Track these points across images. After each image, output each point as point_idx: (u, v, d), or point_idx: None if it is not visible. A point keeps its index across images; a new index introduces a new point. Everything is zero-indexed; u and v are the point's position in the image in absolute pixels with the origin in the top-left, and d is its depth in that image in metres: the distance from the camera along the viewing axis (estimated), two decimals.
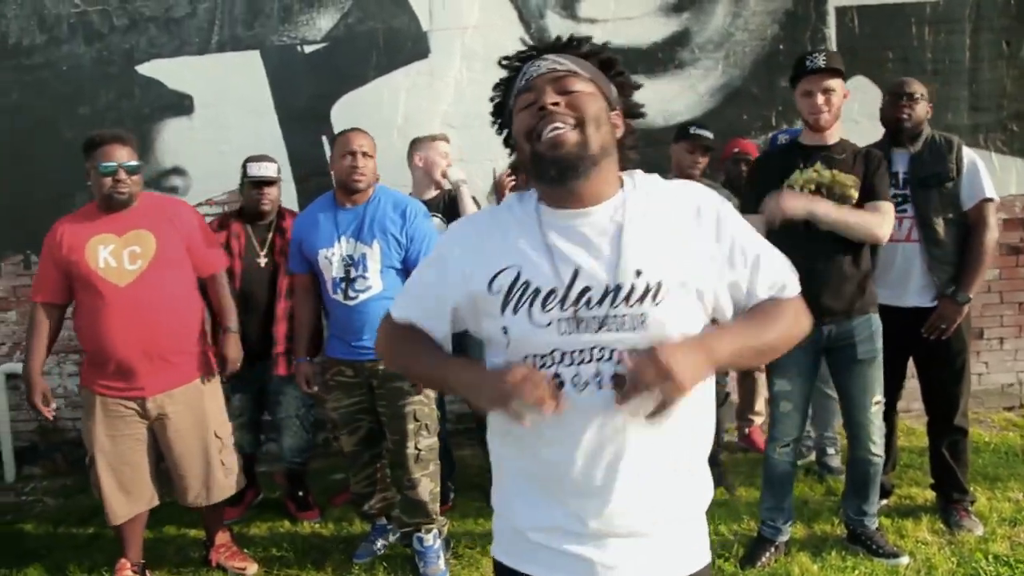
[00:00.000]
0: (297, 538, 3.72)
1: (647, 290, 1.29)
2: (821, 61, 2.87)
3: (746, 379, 4.38)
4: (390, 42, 4.73)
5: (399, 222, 3.17)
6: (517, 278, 1.34)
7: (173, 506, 3.42)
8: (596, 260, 1.32)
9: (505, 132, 1.48)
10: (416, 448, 3.17)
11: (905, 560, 3.09)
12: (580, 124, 1.31)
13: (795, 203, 2.82)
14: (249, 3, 4.74)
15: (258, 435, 4.01)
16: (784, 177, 2.96)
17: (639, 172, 1.44)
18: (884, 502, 3.60)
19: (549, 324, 1.31)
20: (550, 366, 1.32)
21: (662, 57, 4.64)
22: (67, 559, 3.63)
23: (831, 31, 4.60)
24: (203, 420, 3.19)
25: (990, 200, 3.22)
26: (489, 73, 1.50)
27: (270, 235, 3.78)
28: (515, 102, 1.38)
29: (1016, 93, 4.64)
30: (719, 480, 3.87)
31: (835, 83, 2.90)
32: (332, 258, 3.16)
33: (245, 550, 3.50)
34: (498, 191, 3.78)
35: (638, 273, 1.30)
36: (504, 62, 1.45)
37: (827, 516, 3.46)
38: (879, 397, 3.01)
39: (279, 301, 3.68)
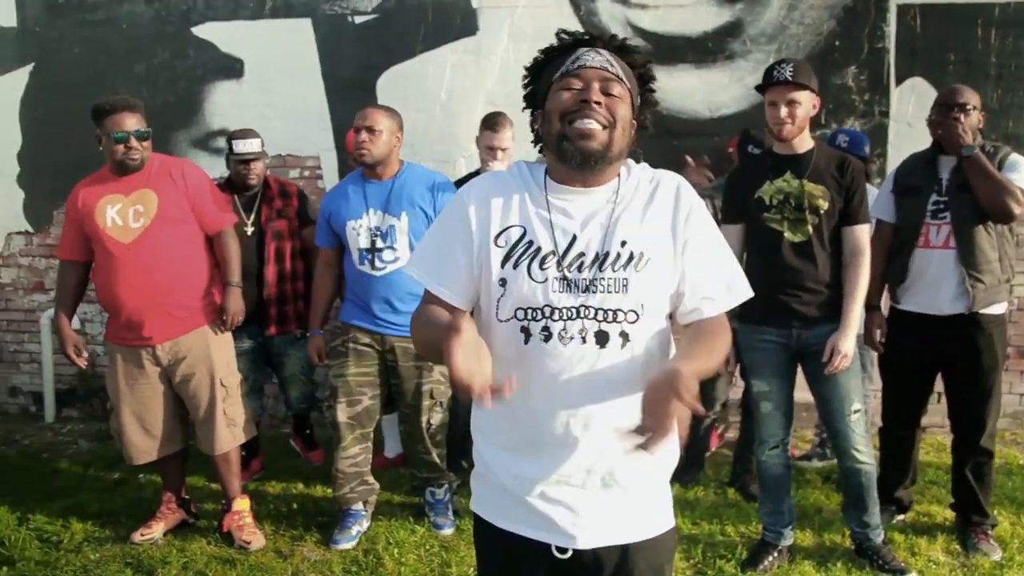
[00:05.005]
0: (308, 500, 3.81)
1: (631, 258, 1.45)
2: (788, 73, 2.84)
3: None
4: (439, 17, 4.72)
5: (428, 196, 3.27)
6: (523, 236, 1.47)
7: (201, 458, 3.54)
8: (590, 230, 1.47)
9: (529, 90, 1.58)
10: (429, 423, 3.36)
11: None
12: (610, 126, 1.44)
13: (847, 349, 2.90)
14: None
15: (261, 400, 4.14)
16: (755, 188, 2.98)
17: (632, 161, 1.57)
18: (900, 517, 3.52)
19: (545, 281, 1.45)
20: (540, 319, 1.45)
21: (712, 47, 4.55)
22: (89, 500, 3.80)
23: (891, 29, 4.44)
24: (209, 368, 3.30)
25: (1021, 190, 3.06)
26: (536, 54, 1.55)
27: (256, 204, 3.92)
28: (558, 77, 1.47)
29: None
30: (734, 479, 3.91)
31: (801, 95, 2.86)
32: (359, 229, 3.25)
33: (255, 522, 3.46)
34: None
35: (623, 243, 1.46)
36: (563, 35, 1.52)
37: (839, 526, 3.38)
38: (858, 406, 2.97)
39: (267, 266, 3.84)
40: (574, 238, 1.46)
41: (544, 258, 1.45)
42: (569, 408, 1.45)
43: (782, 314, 2.96)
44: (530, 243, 1.46)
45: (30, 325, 5.21)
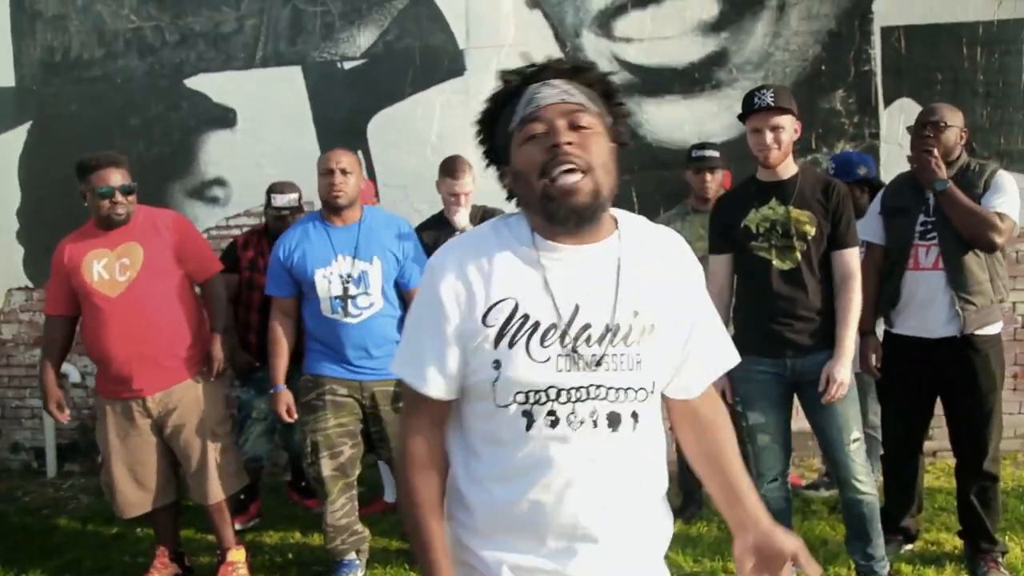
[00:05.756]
0: (304, 550, 3.75)
1: (643, 331, 1.31)
2: (769, 99, 2.82)
3: None
4: (427, 59, 4.78)
5: (395, 240, 3.23)
6: (515, 310, 1.28)
7: (194, 509, 3.53)
8: (596, 298, 1.30)
9: (488, 146, 1.40)
10: None
11: None
12: (591, 170, 1.27)
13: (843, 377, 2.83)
14: (292, 20, 4.86)
15: (273, 443, 4.10)
16: (741, 217, 2.95)
17: (623, 212, 1.41)
18: (909, 547, 3.42)
19: (547, 360, 1.28)
20: (545, 403, 1.29)
21: (699, 77, 4.56)
22: (85, 557, 3.77)
23: (876, 52, 4.44)
24: (200, 417, 3.28)
25: (1000, 216, 2.99)
26: (483, 105, 1.44)
27: None
28: (518, 127, 1.30)
29: None
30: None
31: (784, 120, 2.84)
32: (330, 276, 3.14)
33: (249, 573, 3.43)
34: None
35: (635, 314, 1.31)
36: (508, 76, 1.35)
37: (845, 558, 3.27)
38: (857, 434, 2.90)
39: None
40: (577, 308, 1.29)
41: (545, 333, 1.28)
42: (578, 498, 1.30)
43: (775, 344, 2.91)
44: (525, 317, 1.28)
45: (31, 380, 5.21)
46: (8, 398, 5.31)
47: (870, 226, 3.32)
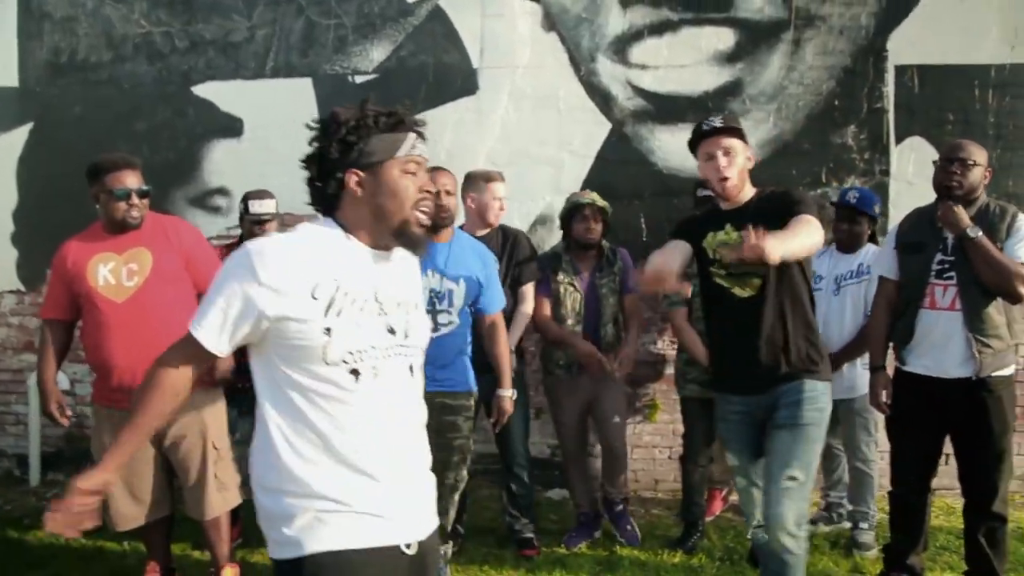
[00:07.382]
0: None
1: (416, 306, 1.81)
2: (717, 121, 2.73)
3: None
4: (440, 77, 4.76)
5: (480, 266, 3.27)
6: (338, 288, 1.63)
7: (188, 523, 3.43)
8: (393, 284, 1.74)
9: (333, 144, 1.67)
10: (455, 480, 3.27)
11: None
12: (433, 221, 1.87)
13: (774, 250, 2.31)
14: (305, 31, 4.83)
15: None
16: (700, 238, 2.79)
17: None
18: None
19: (369, 325, 1.65)
20: (369, 360, 1.64)
21: (712, 107, 4.55)
22: (67, 571, 3.64)
23: (889, 89, 4.47)
24: (201, 429, 3.20)
25: None
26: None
27: None
28: (403, 157, 1.66)
29: None
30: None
31: (735, 144, 2.71)
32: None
33: None
34: None
35: (412, 293, 1.82)
36: (401, 110, 1.69)
37: None
38: (794, 473, 2.63)
39: None
40: (379, 288, 1.69)
41: (364, 305, 1.65)
42: (396, 428, 1.69)
43: (744, 379, 2.76)
44: (347, 293, 1.63)
45: (17, 386, 5.10)
46: None
47: (884, 261, 3.31)
